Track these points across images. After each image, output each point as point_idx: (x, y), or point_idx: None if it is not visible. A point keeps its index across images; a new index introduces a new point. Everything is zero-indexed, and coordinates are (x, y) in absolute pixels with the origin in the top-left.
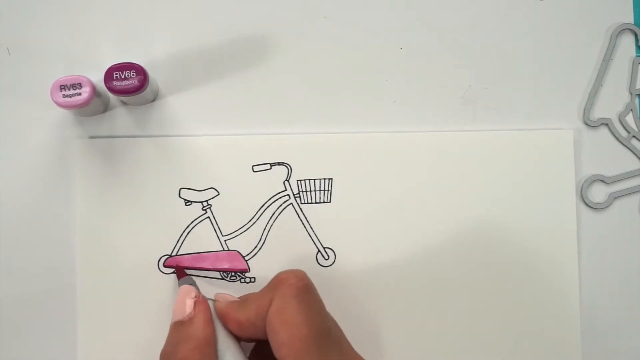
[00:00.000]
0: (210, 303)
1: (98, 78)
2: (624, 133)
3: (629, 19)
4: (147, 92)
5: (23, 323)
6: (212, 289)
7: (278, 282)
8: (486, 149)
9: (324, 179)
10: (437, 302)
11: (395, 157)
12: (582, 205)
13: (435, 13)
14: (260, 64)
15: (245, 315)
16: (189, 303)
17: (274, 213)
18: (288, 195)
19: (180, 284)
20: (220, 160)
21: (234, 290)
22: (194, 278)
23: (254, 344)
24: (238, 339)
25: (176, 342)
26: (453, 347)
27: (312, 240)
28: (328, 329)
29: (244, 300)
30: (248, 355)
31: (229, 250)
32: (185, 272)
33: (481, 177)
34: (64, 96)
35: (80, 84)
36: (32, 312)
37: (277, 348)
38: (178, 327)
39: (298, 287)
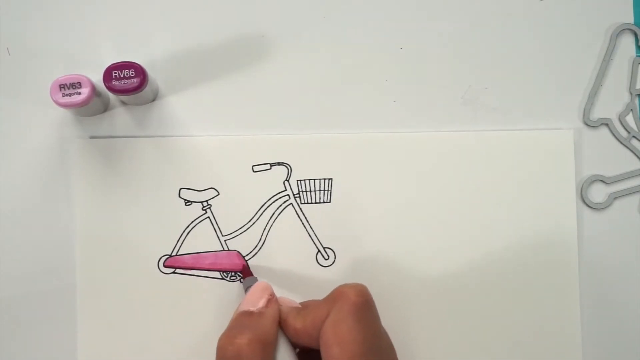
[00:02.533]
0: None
1: (98, 78)
2: (624, 133)
3: (629, 19)
4: (147, 92)
5: (23, 323)
6: (212, 289)
7: (338, 295)
8: (486, 149)
9: (324, 179)
10: (437, 301)
11: (395, 157)
12: (582, 205)
13: (435, 13)
14: (260, 64)
15: (302, 324)
16: (264, 298)
17: (274, 213)
18: (288, 195)
19: (245, 284)
20: (220, 160)
21: (234, 290)
22: (194, 278)
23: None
24: (293, 345)
25: (241, 329)
26: (453, 346)
27: (312, 240)
28: (380, 349)
29: (304, 307)
30: None
31: (229, 250)
32: (250, 272)
33: (481, 177)
34: (64, 96)
35: (79, 83)
36: (32, 312)
37: None
38: (245, 316)
39: (356, 304)
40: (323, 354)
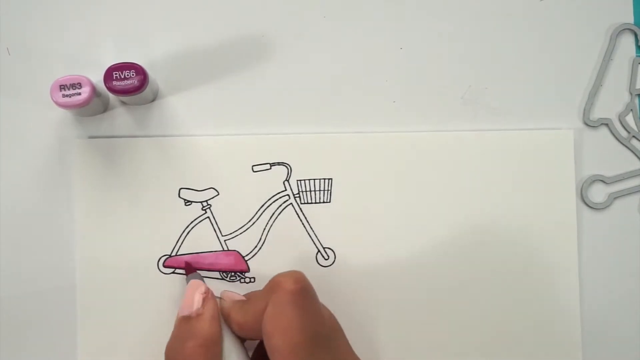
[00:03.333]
0: (217, 301)
1: (98, 78)
2: (624, 133)
3: (629, 19)
4: (147, 92)
5: (23, 323)
6: (212, 288)
7: (274, 285)
8: (486, 149)
9: (324, 179)
10: (437, 301)
11: (395, 157)
12: (582, 205)
13: (435, 13)
14: (260, 64)
15: (244, 318)
16: (198, 298)
17: (273, 213)
18: (288, 195)
19: (188, 280)
20: (220, 160)
21: (234, 290)
22: None
23: (257, 342)
24: (242, 338)
25: (182, 338)
26: (453, 346)
27: (312, 240)
28: (322, 334)
29: (246, 301)
30: (251, 354)
31: (228, 250)
32: (194, 269)
33: (481, 177)
34: (64, 96)
35: (80, 83)
36: (32, 312)
37: (270, 352)
38: (185, 322)
39: (293, 292)
40: (266, 345)
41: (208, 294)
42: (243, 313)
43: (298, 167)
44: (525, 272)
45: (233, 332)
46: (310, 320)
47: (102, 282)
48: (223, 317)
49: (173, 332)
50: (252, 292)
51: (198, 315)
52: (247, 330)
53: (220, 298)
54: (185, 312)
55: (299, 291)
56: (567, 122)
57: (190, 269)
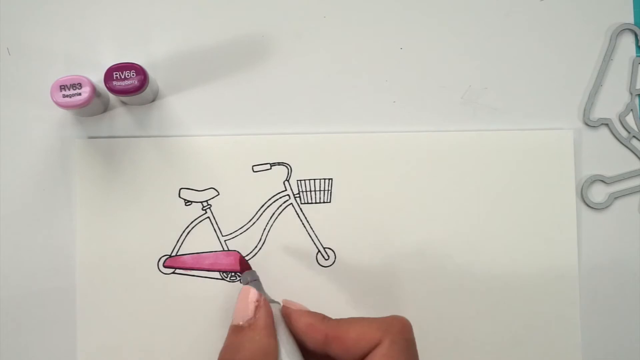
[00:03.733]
0: (275, 307)
1: (98, 78)
2: (624, 133)
3: (629, 19)
4: (147, 92)
5: (23, 323)
6: (212, 289)
7: (390, 325)
8: (486, 149)
9: (324, 179)
10: (437, 301)
11: (395, 157)
12: (582, 206)
13: (435, 13)
14: (260, 64)
15: (340, 334)
16: (251, 307)
17: (274, 213)
18: (288, 195)
19: (242, 280)
20: (220, 161)
21: (234, 290)
22: (194, 278)
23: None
24: (302, 347)
25: (234, 349)
26: (453, 345)
27: (312, 240)
28: None
29: (333, 319)
30: None
31: (229, 250)
32: (249, 266)
33: (481, 177)
34: (64, 96)
35: (80, 84)
36: (32, 312)
37: None
38: (237, 331)
39: (411, 341)
40: None
41: (260, 302)
42: (341, 330)
43: (298, 167)
44: (525, 271)
45: (291, 341)
46: None
47: (102, 282)
48: (297, 324)
49: (226, 342)
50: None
51: (250, 325)
52: (334, 346)
53: (284, 306)
54: (238, 321)
55: (413, 341)
56: (567, 122)
57: (244, 265)
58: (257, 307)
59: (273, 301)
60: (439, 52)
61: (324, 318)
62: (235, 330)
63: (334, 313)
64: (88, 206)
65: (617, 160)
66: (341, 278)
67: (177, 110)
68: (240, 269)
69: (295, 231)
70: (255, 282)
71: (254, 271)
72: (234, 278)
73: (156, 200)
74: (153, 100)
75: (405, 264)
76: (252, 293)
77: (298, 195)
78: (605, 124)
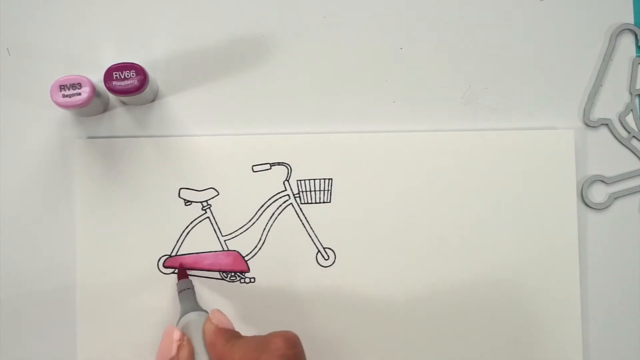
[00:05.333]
0: (202, 317)
1: (98, 78)
2: (624, 133)
3: (629, 19)
4: (147, 92)
5: (23, 323)
6: (212, 289)
7: (267, 343)
8: (486, 149)
9: (324, 179)
10: (437, 300)
11: (395, 157)
12: (583, 206)
13: (435, 13)
14: (260, 64)
15: (227, 354)
16: (174, 346)
17: (273, 213)
18: (288, 195)
19: (178, 287)
20: (220, 161)
21: (234, 290)
22: (194, 278)
23: None
24: None
25: None
26: (454, 345)
27: (312, 240)
28: None
29: (234, 339)
30: None
31: (228, 250)
32: (186, 274)
33: (481, 177)
34: (64, 96)
35: (80, 84)
36: (32, 312)
37: None
38: None
39: (285, 356)
40: None
41: (182, 341)
42: (229, 351)
43: (298, 167)
44: (526, 271)
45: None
46: None
47: (102, 282)
48: (205, 339)
49: None
50: (242, 336)
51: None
52: (214, 357)
53: (208, 318)
54: (164, 358)
55: (291, 357)
56: (568, 122)
57: (182, 273)
58: (179, 347)
59: (202, 310)
60: (439, 52)
61: (229, 338)
62: None
63: (333, 313)
64: (88, 206)
65: (617, 160)
66: (341, 278)
67: (177, 110)
68: (178, 277)
69: (295, 231)
70: (188, 290)
71: (189, 280)
72: (234, 278)
73: (156, 200)
74: (153, 100)
75: (405, 263)
76: (176, 333)
77: (298, 195)
78: (605, 124)
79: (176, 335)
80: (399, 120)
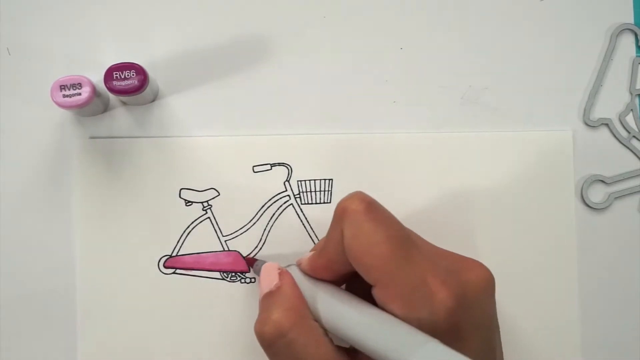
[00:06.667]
0: (296, 267)
1: (98, 78)
2: (624, 133)
3: (629, 19)
4: (147, 92)
5: (23, 323)
6: (213, 289)
7: (342, 212)
8: (486, 149)
9: (324, 179)
10: None
11: (395, 157)
12: (582, 206)
13: (435, 13)
14: (260, 64)
15: (327, 257)
16: (275, 274)
17: (274, 213)
18: (288, 195)
19: (255, 270)
20: (221, 161)
21: (234, 290)
22: (194, 279)
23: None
24: (338, 284)
25: (269, 309)
26: None
27: (313, 240)
28: (405, 238)
29: (320, 244)
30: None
31: (229, 250)
32: (254, 259)
33: (481, 177)
34: (64, 96)
35: (80, 84)
36: (32, 312)
37: (366, 274)
38: (268, 297)
39: (363, 210)
40: (359, 269)
41: (282, 270)
42: (324, 254)
43: (298, 168)
44: (524, 272)
45: (326, 284)
46: (389, 228)
47: (102, 282)
48: (310, 273)
49: (260, 311)
50: (322, 238)
51: (278, 288)
52: (336, 269)
53: (296, 265)
54: (267, 289)
55: (368, 207)
56: (567, 122)
57: (251, 261)
58: (280, 274)
59: (291, 265)
60: (439, 52)
61: (319, 253)
62: (267, 297)
63: None
64: (88, 206)
65: (617, 160)
66: None
67: (177, 110)
68: (248, 264)
69: (296, 231)
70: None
71: (261, 260)
72: (234, 278)
73: (156, 200)
74: (153, 100)
75: None
76: (274, 265)
77: (298, 196)
78: (605, 124)
79: (274, 266)
80: (399, 120)
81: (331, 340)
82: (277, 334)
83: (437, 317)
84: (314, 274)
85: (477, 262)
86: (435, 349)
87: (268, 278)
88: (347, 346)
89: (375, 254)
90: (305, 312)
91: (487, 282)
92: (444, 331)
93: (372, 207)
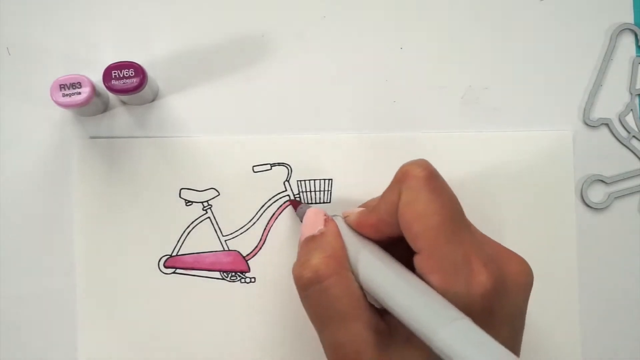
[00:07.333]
0: (341, 219)
1: (98, 78)
2: (624, 133)
3: (629, 19)
4: (147, 92)
5: (23, 323)
6: (213, 289)
7: (403, 175)
8: (486, 149)
9: (324, 179)
10: None
11: (395, 157)
12: (582, 206)
13: (435, 13)
14: (260, 64)
15: (377, 216)
16: (320, 219)
17: (274, 213)
18: (288, 195)
19: (299, 213)
20: (221, 161)
21: (234, 290)
22: (194, 278)
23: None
24: (378, 242)
25: (309, 253)
26: None
27: None
28: (458, 213)
29: (372, 202)
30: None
31: (229, 250)
32: (298, 202)
33: (481, 177)
34: (64, 95)
35: (79, 83)
36: (32, 312)
37: (413, 240)
38: (309, 241)
39: (424, 177)
40: (407, 235)
41: (328, 217)
42: (375, 212)
43: (298, 168)
44: None
45: (360, 243)
46: (446, 201)
47: (102, 282)
48: (355, 227)
49: (298, 254)
50: (374, 198)
51: (322, 233)
52: (382, 228)
53: (341, 217)
54: (310, 233)
55: (429, 176)
56: (567, 123)
57: (296, 203)
58: (326, 220)
59: (335, 216)
60: (439, 52)
61: (369, 211)
62: (308, 241)
63: None
64: (88, 206)
65: (617, 160)
66: None
67: (177, 110)
68: (292, 206)
69: (296, 231)
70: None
71: (306, 204)
72: (234, 278)
73: (157, 200)
74: (153, 100)
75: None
76: (320, 211)
77: (298, 196)
78: (605, 124)
79: (321, 211)
80: (399, 120)
81: (365, 296)
82: (314, 279)
83: (473, 297)
84: (360, 229)
85: (521, 257)
86: (468, 326)
87: (312, 222)
88: (379, 306)
89: (427, 223)
90: (345, 263)
91: (527, 279)
92: (477, 312)
93: (433, 177)
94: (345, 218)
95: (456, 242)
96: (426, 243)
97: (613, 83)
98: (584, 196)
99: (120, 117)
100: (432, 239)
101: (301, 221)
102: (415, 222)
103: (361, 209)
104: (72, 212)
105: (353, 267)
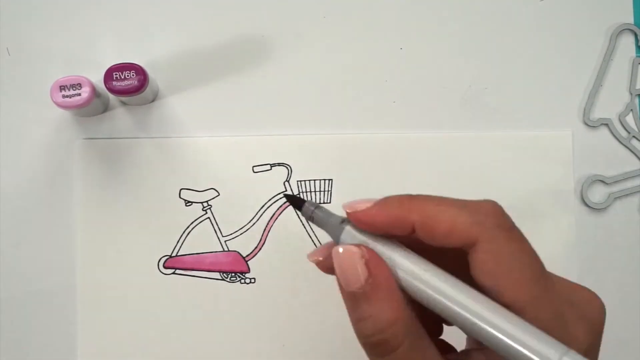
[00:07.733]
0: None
1: (98, 78)
2: (624, 133)
3: (629, 19)
4: (147, 93)
5: (23, 323)
6: (212, 289)
7: (484, 215)
8: (486, 149)
9: (324, 179)
10: None
11: (395, 157)
12: (582, 206)
13: (435, 13)
14: (259, 64)
15: (426, 223)
16: (361, 267)
17: (274, 213)
18: (286, 192)
19: (304, 212)
20: (221, 161)
21: (234, 290)
22: (194, 279)
23: None
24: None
25: (360, 320)
26: (453, 342)
27: (312, 240)
28: (540, 260)
29: (423, 198)
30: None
31: (229, 251)
32: (303, 200)
33: (481, 177)
34: (64, 96)
35: (79, 84)
36: (32, 312)
37: (500, 293)
38: (353, 300)
39: (507, 226)
40: (486, 284)
41: (366, 254)
42: (416, 212)
43: (298, 168)
44: None
45: (407, 252)
46: (530, 249)
47: (103, 282)
48: (370, 229)
49: (348, 312)
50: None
51: (365, 293)
52: (396, 227)
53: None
54: (351, 288)
55: (510, 223)
56: (567, 123)
57: (295, 200)
58: (367, 264)
59: (344, 219)
60: (439, 52)
61: (400, 204)
62: (351, 299)
63: (334, 314)
64: (88, 207)
65: (617, 160)
66: None
67: (177, 110)
68: (295, 203)
69: (295, 232)
70: (319, 209)
71: (312, 201)
72: (234, 278)
73: (156, 200)
74: (153, 101)
75: None
76: (356, 250)
77: (298, 194)
78: (605, 124)
79: (358, 252)
80: (399, 120)
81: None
82: (384, 352)
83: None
84: (374, 229)
85: (592, 292)
86: (580, 357)
87: (350, 267)
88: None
89: (518, 279)
90: (413, 324)
91: (604, 315)
92: None
93: (512, 224)
94: (361, 220)
95: (549, 295)
96: (520, 296)
97: (613, 83)
98: (584, 196)
99: (120, 117)
100: (529, 292)
101: (307, 220)
102: (504, 277)
103: (376, 205)
104: (72, 213)
105: (424, 301)
